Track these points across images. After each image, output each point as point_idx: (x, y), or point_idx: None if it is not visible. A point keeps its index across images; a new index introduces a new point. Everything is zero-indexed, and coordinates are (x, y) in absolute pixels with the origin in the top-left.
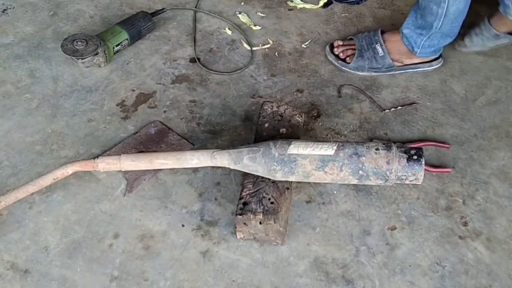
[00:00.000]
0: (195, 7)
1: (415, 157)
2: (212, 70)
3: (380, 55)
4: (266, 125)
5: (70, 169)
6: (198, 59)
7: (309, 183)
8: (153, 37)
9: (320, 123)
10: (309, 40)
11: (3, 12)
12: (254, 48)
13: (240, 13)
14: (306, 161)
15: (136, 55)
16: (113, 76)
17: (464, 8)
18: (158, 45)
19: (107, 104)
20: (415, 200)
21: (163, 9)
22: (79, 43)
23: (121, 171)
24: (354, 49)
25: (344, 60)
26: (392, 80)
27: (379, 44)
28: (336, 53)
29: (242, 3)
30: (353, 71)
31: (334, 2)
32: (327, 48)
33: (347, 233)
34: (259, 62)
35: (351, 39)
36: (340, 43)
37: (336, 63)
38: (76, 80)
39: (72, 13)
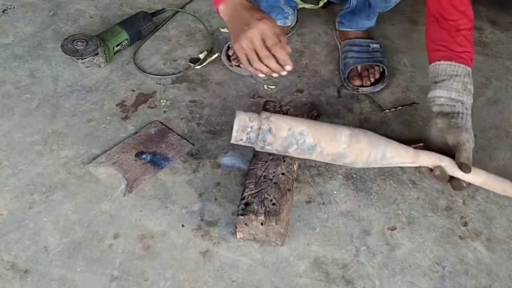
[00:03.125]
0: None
1: None
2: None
3: None
4: None
5: None
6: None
7: (309, 183)
8: (153, 37)
9: None
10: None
11: (3, 12)
12: None
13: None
14: None
15: (136, 55)
16: (113, 76)
17: None
18: (158, 45)
19: (107, 104)
20: (415, 200)
21: (163, 9)
22: (79, 43)
23: (121, 172)
24: None
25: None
26: (392, 80)
27: None
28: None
29: None
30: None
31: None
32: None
33: (347, 233)
34: None
35: None
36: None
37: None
38: (76, 80)
39: (72, 13)
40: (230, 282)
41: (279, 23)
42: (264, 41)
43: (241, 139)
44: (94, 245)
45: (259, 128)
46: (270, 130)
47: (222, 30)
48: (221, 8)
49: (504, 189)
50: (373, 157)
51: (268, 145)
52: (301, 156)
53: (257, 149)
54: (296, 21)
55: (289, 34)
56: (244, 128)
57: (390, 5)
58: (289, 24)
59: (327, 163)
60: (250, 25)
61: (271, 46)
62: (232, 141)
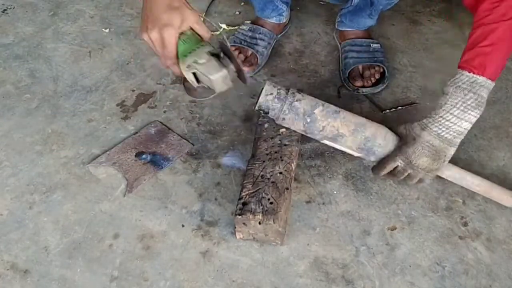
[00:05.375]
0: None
1: None
2: None
3: None
4: (266, 125)
5: None
6: None
7: (309, 183)
8: None
9: None
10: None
11: (3, 12)
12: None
13: (240, 13)
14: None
15: (136, 55)
16: (113, 76)
17: None
18: None
19: (107, 104)
20: (415, 200)
21: None
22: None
23: (122, 172)
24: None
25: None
26: (392, 80)
27: None
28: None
29: (242, 3)
30: None
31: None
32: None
33: (347, 233)
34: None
35: None
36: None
37: None
38: (76, 80)
39: (72, 13)
40: (230, 282)
41: (274, 20)
42: (163, 48)
43: (271, 93)
44: (94, 245)
45: (288, 89)
46: (299, 91)
47: (221, 25)
48: None
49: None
50: (390, 135)
51: (297, 100)
52: (325, 122)
53: (283, 111)
54: (290, 19)
55: (284, 32)
56: (273, 89)
57: (394, 1)
58: (284, 21)
59: (327, 163)
60: (156, 23)
61: (164, 62)
62: (261, 98)
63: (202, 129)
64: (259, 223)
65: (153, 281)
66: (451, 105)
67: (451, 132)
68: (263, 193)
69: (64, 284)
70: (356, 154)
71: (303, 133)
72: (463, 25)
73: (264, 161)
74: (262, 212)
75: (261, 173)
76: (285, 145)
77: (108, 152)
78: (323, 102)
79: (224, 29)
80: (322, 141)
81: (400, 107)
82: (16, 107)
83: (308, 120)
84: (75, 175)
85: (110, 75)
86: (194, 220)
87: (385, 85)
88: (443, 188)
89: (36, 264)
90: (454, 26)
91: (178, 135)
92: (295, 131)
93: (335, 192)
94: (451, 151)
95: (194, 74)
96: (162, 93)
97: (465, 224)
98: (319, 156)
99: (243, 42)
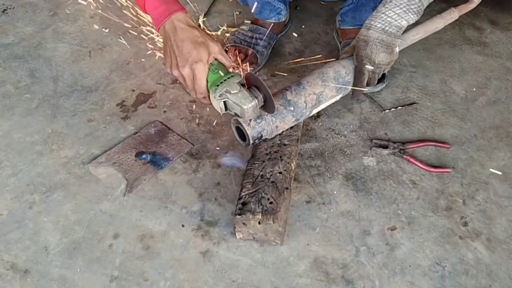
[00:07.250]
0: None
1: None
2: None
3: None
4: None
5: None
6: None
7: (309, 183)
8: (153, 37)
9: (320, 123)
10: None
11: (3, 12)
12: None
13: (240, 13)
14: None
15: (136, 55)
16: (113, 76)
17: None
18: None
19: (107, 104)
20: (415, 200)
21: None
22: None
23: (121, 171)
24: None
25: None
26: (392, 80)
27: None
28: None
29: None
30: None
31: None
32: None
33: (347, 233)
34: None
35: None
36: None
37: None
38: (76, 80)
39: (72, 13)
40: (230, 282)
41: (273, 20)
42: (194, 81)
43: (250, 120)
44: (94, 245)
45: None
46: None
47: (220, 27)
48: (164, 28)
49: (444, 20)
50: (345, 60)
51: None
52: (302, 98)
53: (270, 121)
54: (290, 18)
55: (284, 32)
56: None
57: None
58: (283, 20)
59: (327, 163)
60: (186, 60)
61: (194, 94)
62: (248, 131)
63: (202, 129)
64: (259, 223)
65: (153, 281)
66: (395, 5)
67: (393, 27)
68: (263, 193)
69: (64, 284)
70: (339, 96)
71: (297, 122)
72: (463, 25)
73: (263, 161)
74: (262, 212)
75: (261, 173)
76: (285, 144)
77: (108, 152)
78: (284, 88)
79: (223, 29)
80: (313, 113)
81: (400, 107)
82: (16, 107)
83: (292, 109)
84: (75, 175)
85: (110, 75)
86: (194, 220)
87: (385, 85)
88: (443, 188)
89: (36, 264)
90: (454, 26)
91: (178, 135)
92: (295, 131)
93: (335, 192)
94: (398, 42)
95: (224, 102)
96: (162, 93)
97: (465, 224)
98: (319, 156)
99: (243, 42)
